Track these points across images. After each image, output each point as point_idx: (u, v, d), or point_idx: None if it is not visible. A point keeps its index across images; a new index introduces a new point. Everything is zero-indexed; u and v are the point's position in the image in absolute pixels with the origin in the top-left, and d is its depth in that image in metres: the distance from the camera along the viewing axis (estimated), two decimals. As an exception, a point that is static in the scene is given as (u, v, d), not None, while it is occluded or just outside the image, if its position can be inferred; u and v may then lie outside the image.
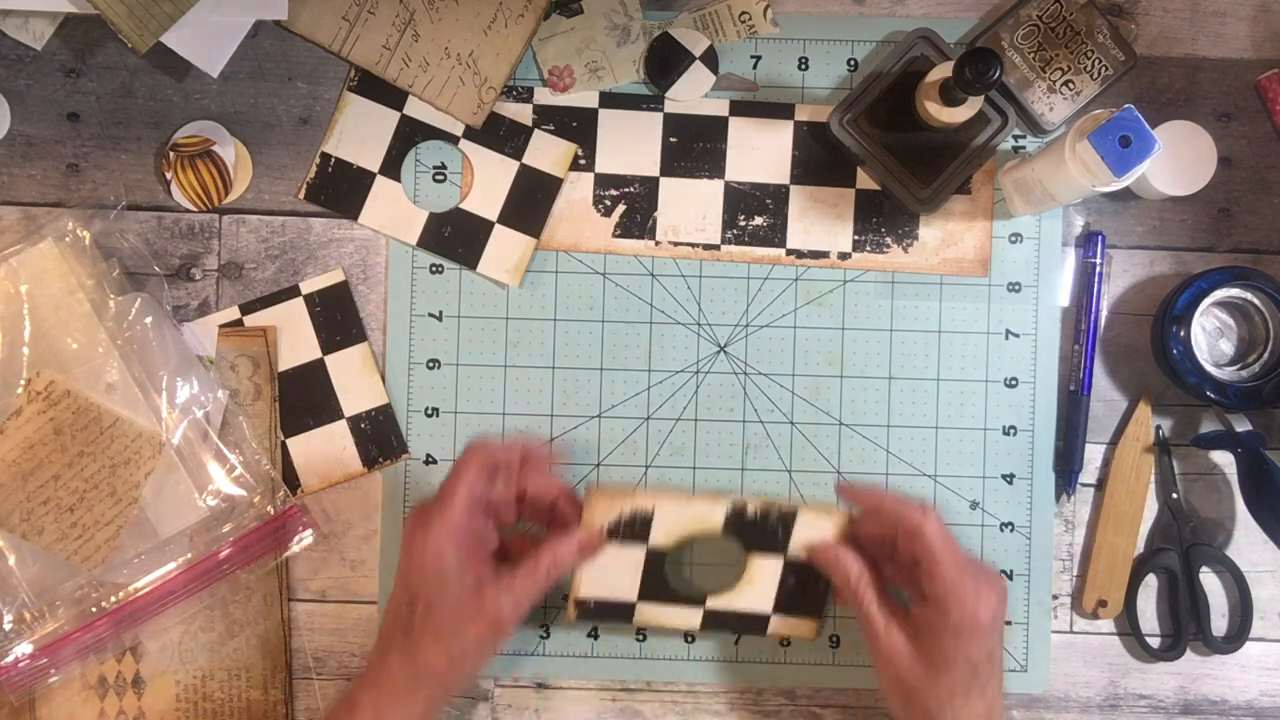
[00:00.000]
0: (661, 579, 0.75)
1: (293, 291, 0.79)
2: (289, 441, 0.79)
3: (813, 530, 0.73)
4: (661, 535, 0.74)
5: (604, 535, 0.73)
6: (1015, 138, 0.80)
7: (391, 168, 0.80)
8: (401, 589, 0.70)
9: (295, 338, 0.79)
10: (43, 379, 0.75)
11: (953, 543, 0.69)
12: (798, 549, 0.74)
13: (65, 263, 0.76)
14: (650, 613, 0.75)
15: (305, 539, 0.78)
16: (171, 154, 0.78)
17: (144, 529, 0.76)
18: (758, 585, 0.75)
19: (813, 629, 0.76)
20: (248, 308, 0.79)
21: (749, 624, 0.76)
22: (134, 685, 0.78)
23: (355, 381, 0.79)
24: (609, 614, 0.75)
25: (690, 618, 0.76)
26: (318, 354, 0.79)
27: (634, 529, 0.73)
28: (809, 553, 0.73)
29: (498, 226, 0.80)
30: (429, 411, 0.80)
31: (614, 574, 0.74)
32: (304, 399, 0.79)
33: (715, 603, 0.75)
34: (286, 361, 0.79)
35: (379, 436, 0.79)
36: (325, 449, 0.79)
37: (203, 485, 0.77)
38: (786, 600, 0.75)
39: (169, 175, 0.78)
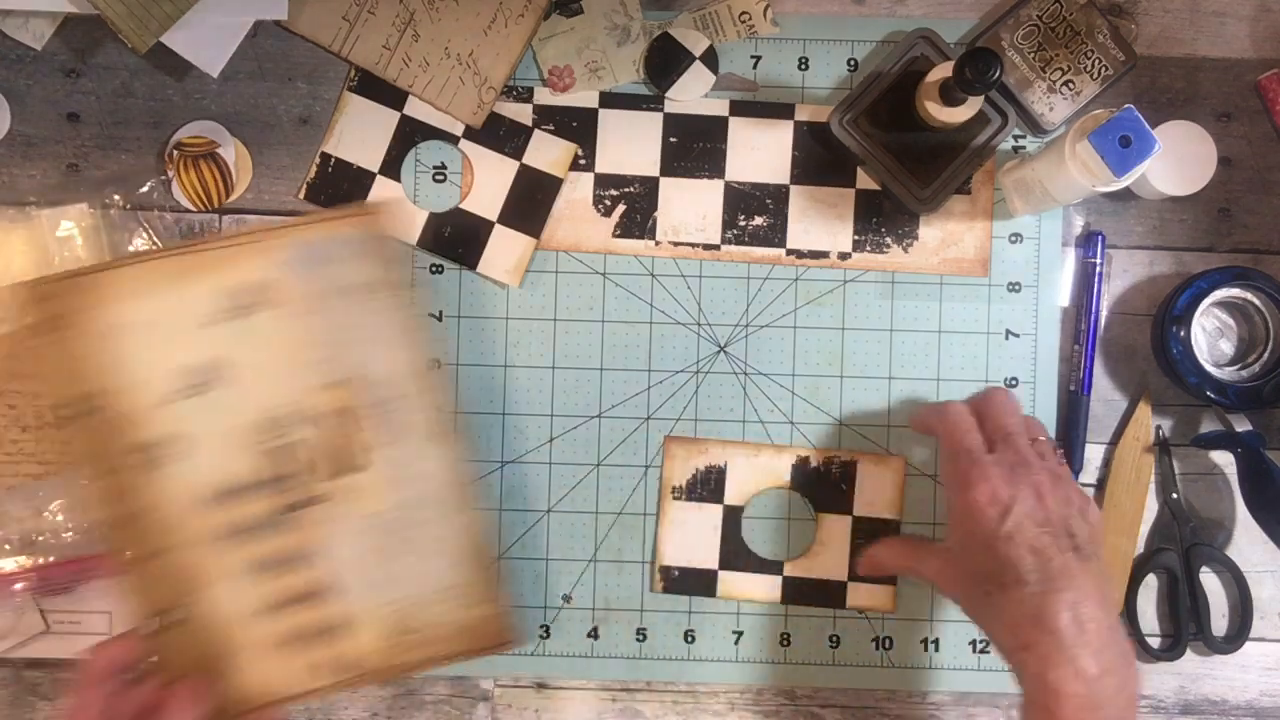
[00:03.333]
0: (740, 542, 0.78)
1: None
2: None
3: (874, 481, 0.79)
4: (735, 491, 0.77)
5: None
6: (1015, 138, 0.80)
7: (391, 168, 0.80)
8: None
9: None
10: None
11: (976, 439, 0.71)
12: (863, 503, 0.78)
13: (96, 228, 0.77)
14: (732, 581, 0.78)
15: None
16: (175, 153, 0.78)
17: (79, 504, 0.76)
18: (831, 547, 0.78)
19: (890, 598, 0.78)
20: None
21: (828, 593, 0.78)
22: (335, 631, 0.72)
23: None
24: (693, 582, 0.78)
25: (770, 587, 0.78)
26: None
27: (709, 486, 0.77)
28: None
29: (498, 226, 0.80)
30: (429, 411, 0.80)
31: (694, 537, 0.78)
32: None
33: (793, 569, 0.78)
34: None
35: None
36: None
37: None
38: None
39: (170, 174, 0.78)
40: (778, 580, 0.79)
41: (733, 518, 0.79)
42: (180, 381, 0.68)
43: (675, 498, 0.79)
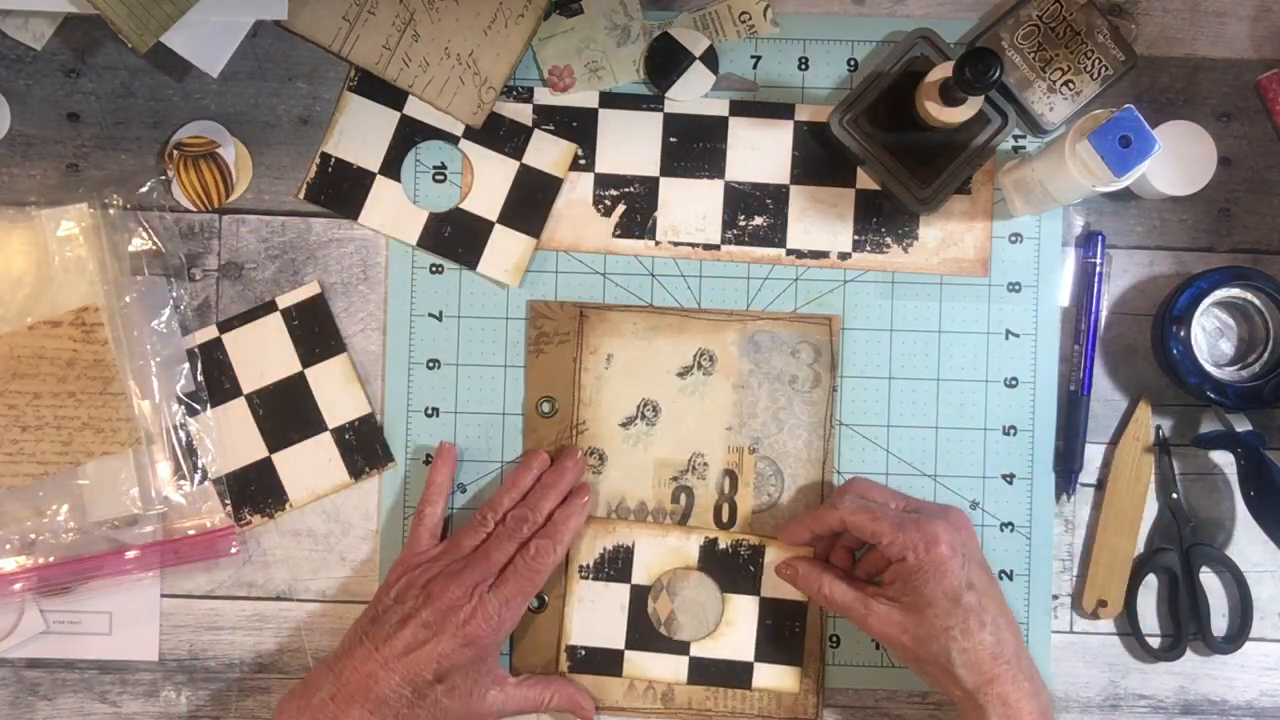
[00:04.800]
0: (645, 623, 0.78)
1: (270, 307, 0.79)
2: (273, 456, 0.79)
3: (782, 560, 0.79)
4: (642, 571, 0.78)
5: (594, 710, 0.77)
6: (1015, 138, 0.80)
7: (391, 168, 0.80)
8: (457, 644, 0.70)
9: (274, 353, 0.79)
10: (98, 314, 0.76)
11: (876, 510, 0.73)
12: (770, 585, 0.79)
13: (96, 228, 0.77)
14: (638, 661, 0.78)
15: (219, 563, 0.79)
16: (175, 153, 0.78)
17: (79, 505, 0.77)
18: (737, 627, 0.78)
19: (795, 680, 0.79)
20: (225, 325, 0.79)
21: (734, 673, 0.79)
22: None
23: (337, 393, 0.79)
24: (599, 662, 0.78)
25: (677, 667, 0.78)
26: (298, 368, 0.79)
27: (617, 565, 0.78)
28: (775, 572, 0.78)
29: (498, 226, 0.80)
30: (429, 411, 0.80)
31: (601, 618, 0.78)
32: (286, 413, 0.79)
33: (699, 650, 0.78)
34: (267, 377, 0.79)
35: (364, 446, 0.79)
36: (311, 462, 0.79)
37: (145, 484, 0.77)
38: (768, 645, 0.79)
39: (170, 174, 0.78)
40: (684, 660, 0.78)
41: (639, 598, 0.79)
42: (635, 411, 0.79)
43: (582, 576, 0.79)
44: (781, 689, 0.78)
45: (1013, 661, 0.70)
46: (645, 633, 0.79)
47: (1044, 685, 0.72)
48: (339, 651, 0.72)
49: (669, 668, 0.79)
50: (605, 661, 0.79)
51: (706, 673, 0.79)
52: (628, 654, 0.79)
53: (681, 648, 0.79)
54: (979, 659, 0.69)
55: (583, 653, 0.78)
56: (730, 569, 0.79)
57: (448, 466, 0.78)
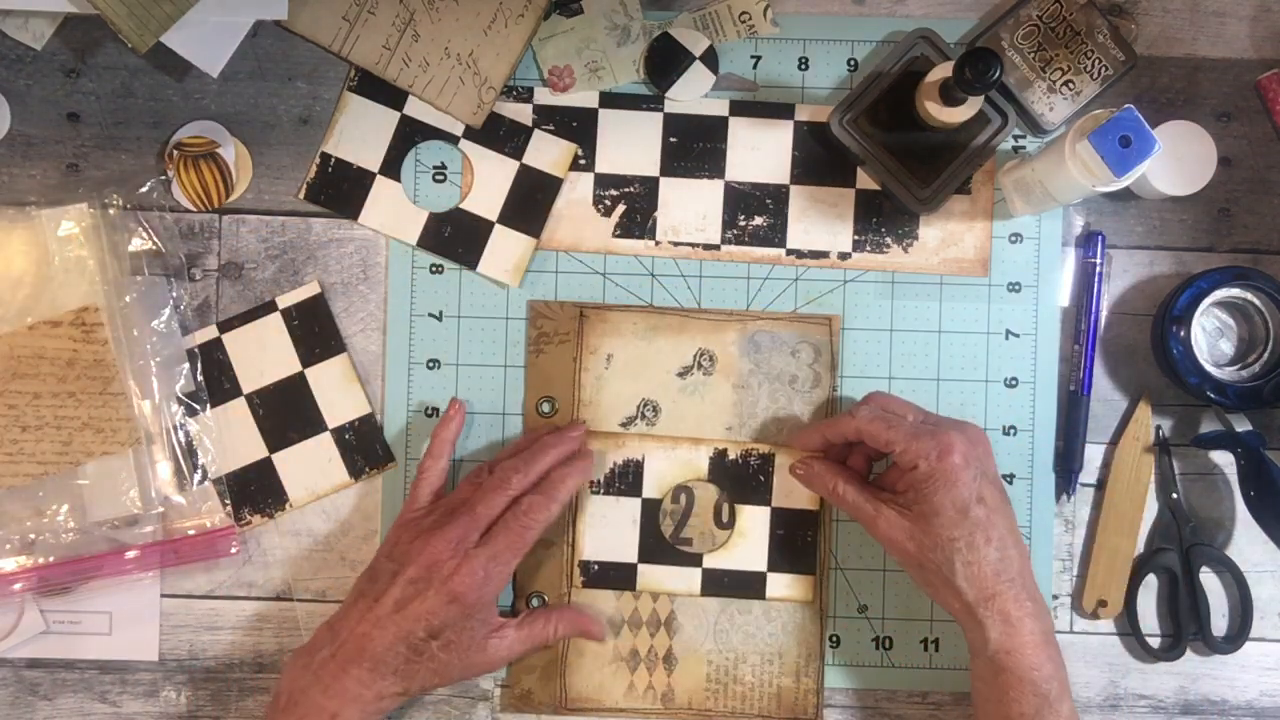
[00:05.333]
0: (658, 535, 0.78)
1: (270, 307, 0.79)
2: (273, 456, 0.79)
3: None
4: (653, 484, 0.78)
5: (604, 628, 0.77)
6: (1015, 138, 0.80)
7: (391, 168, 0.80)
8: (442, 600, 0.69)
9: (274, 353, 0.79)
10: (98, 314, 0.76)
11: (892, 420, 0.72)
12: (781, 494, 0.78)
13: (96, 228, 0.77)
14: (651, 575, 0.78)
15: (219, 563, 0.79)
16: (175, 153, 0.78)
17: (79, 505, 0.77)
18: (749, 538, 0.78)
19: (809, 588, 0.78)
20: (225, 325, 0.79)
21: (747, 584, 0.78)
22: (665, 661, 0.78)
23: (337, 393, 0.79)
24: (612, 577, 0.78)
25: (690, 579, 0.78)
26: (298, 368, 0.79)
27: (627, 480, 0.78)
28: (789, 470, 0.78)
29: (498, 226, 0.80)
30: (429, 411, 0.80)
31: (613, 532, 0.78)
32: (286, 413, 0.79)
33: (712, 560, 0.78)
34: (267, 377, 0.79)
35: (363, 446, 0.79)
36: (311, 462, 0.79)
37: (145, 484, 0.77)
38: (779, 555, 0.78)
39: (170, 174, 0.78)
40: (697, 572, 0.79)
41: (651, 511, 0.79)
42: (635, 411, 0.79)
43: (593, 492, 0.79)
44: (794, 597, 0.78)
45: (1016, 580, 0.69)
46: (657, 546, 0.79)
47: (1047, 609, 0.71)
48: (340, 610, 0.72)
49: (682, 580, 0.79)
50: (619, 576, 0.79)
51: (720, 584, 0.79)
52: (640, 568, 0.79)
53: (694, 559, 0.79)
54: (981, 573, 0.68)
55: (595, 568, 0.79)
56: (740, 479, 0.79)
57: (454, 423, 0.77)
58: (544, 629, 0.75)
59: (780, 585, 0.78)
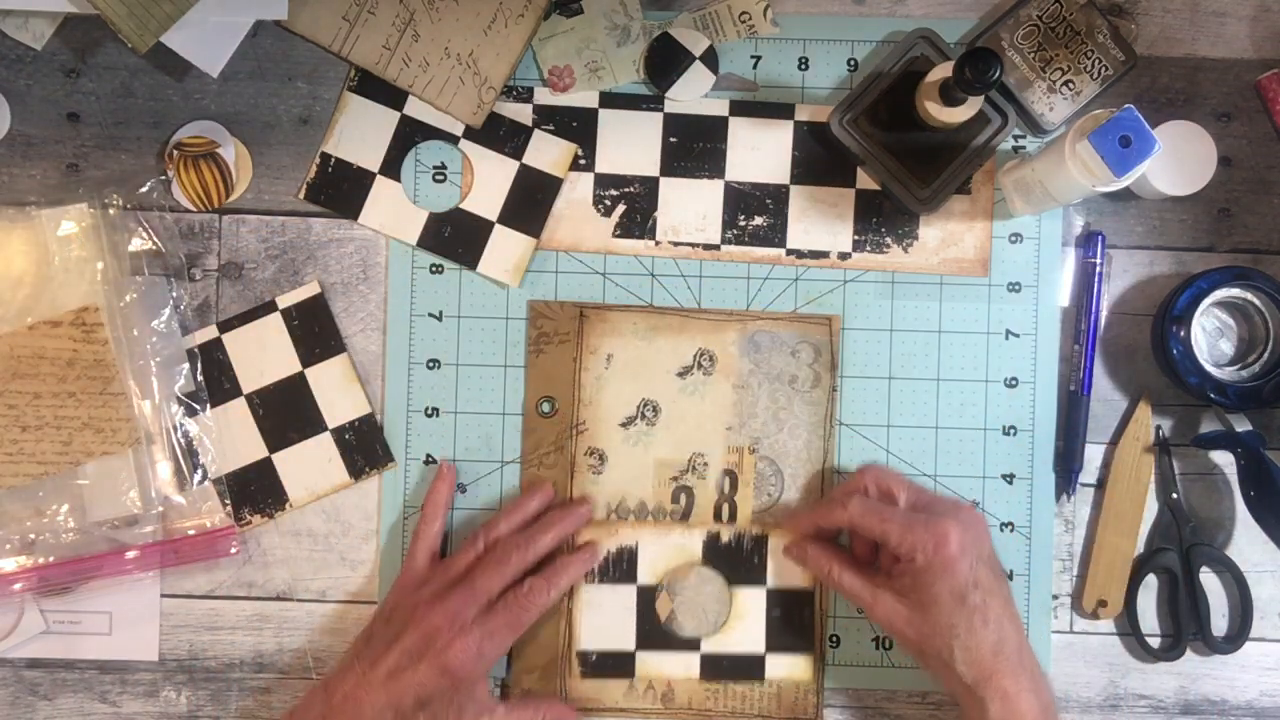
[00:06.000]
0: (654, 621, 0.78)
1: (270, 307, 0.79)
2: (273, 456, 0.79)
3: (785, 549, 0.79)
4: (648, 570, 0.78)
5: None
6: (1015, 138, 0.80)
7: (391, 168, 0.80)
8: (434, 672, 0.70)
9: (274, 353, 0.79)
10: (98, 314, 0.76)
11: (884, 511, 0.72)
12: (776, 575, 0.79)
13: (96, 228, 0.77)
14: (650, 661, 0.78)
15: (219, 563, 0.79)
16: (175, 153, 0.78)
17: (79, 505, 0.77)
18: (746, 620, 0.79)
19: (808, 668, 0.79)
20: (225, 325, 0.79)
21: (746, 667, 0.78)
22: None
23: (337, 393, 0.79)
24: (611, 665, 0.78)
25: (689, 664, 0.78)
26: (298, 368, 0.79)
27: (622, 568, 0.78)
28: (784, 552, 0.78)
29: (498, 226, 0.80)
30: (429, 411, 0.80)
31: (610, 620, 0.78)
32: (286, 413, 0.79)
33: (710, 646, 0.78)
34: (267, 377, 0.79)
35: (364, 446, 0.79)
36: (311, 462, 0.79)
37: (145, 484, 0.77)
38: (778, 635, 0.79)
39: (170, 174, 0.78)
40: (696, 657, 0.78)
41: (646, 597, 0.79)
42: (635, 411, 0.79)
43: (589, 580, 0.79)
44: (795, 679, 0.78)
45: (1013, 657, 0.70)
46: (655, 632, 0.79)
47: (1047, 685, 0.71)
48: (335, 671, 0.73)
49: (680, 666, 0.78)
50: (617, 664, 0.78)
51: (719, 668, 0.78)
52: (639, 655, 0.78)
53: (692, 645, 0.79)
54: (980, 655, 0.69)
55: (594, 657, 0.78)
56: (735, 562, 0.79)
57: (446, 486, 0.78)
58: (531, 717, 0.75)
59: (780, 666, 0.79)
